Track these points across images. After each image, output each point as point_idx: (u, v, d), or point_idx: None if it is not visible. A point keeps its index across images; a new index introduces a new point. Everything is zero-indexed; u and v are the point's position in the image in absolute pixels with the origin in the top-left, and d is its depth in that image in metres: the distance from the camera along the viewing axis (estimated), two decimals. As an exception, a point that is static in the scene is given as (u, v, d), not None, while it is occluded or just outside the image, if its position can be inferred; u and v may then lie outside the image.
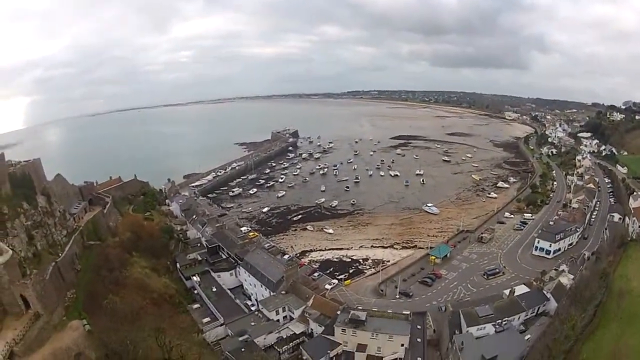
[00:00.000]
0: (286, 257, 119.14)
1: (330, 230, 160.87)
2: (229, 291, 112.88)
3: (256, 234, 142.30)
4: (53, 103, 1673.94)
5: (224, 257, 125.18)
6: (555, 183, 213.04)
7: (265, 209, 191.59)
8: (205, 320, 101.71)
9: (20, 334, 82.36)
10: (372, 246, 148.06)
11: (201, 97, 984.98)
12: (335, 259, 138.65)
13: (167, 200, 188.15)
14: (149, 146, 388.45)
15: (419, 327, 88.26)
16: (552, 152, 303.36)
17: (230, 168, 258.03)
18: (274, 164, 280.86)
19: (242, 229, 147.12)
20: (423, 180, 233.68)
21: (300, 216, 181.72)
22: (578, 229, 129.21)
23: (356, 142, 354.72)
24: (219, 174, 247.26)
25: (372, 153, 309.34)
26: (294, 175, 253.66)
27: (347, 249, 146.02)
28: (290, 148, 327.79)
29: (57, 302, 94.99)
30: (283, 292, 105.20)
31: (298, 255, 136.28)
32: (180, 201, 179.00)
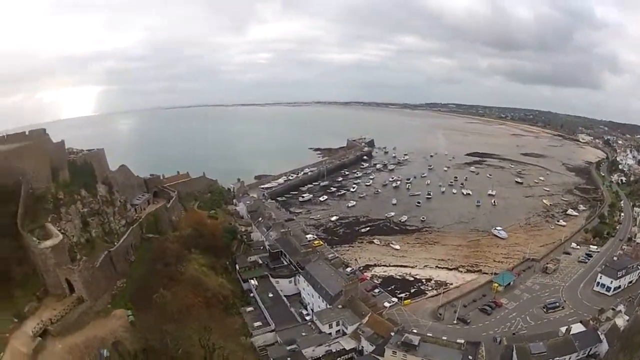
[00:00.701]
0: (348, 269, 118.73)
1: (397, 246, 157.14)
2: (285, 298, 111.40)
3: (321, 242, 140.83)
4: (126, 94, 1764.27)
5: (285, 263, 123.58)
6: (622, 214, 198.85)
7: (334, 218, 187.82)
8: (257, 324, 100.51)
9: (58, 314, 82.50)
10: (436, 267, 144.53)
11: (279, 99, 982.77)
12: (398, 277, 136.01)
13: (234, 200, 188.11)
14: (223, 144, 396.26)
15: (470, 357, 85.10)
16: (621, 180, 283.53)
17: (302, 173, 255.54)
18: (347, 173, 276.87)
19: (308, 236, 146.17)
20: (494, 202, 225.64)
21: (368, 228, 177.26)
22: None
23: (431, 156, 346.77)
24: (290, 178, 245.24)
25: (446, 169, 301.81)
26: (367, 185, 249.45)
27: (412, 267, 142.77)
28: (365, 157, 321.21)
29: (105, 290, 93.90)
30: (340, 306, 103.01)
31: (361, 268, 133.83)
32: (248, 202, 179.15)
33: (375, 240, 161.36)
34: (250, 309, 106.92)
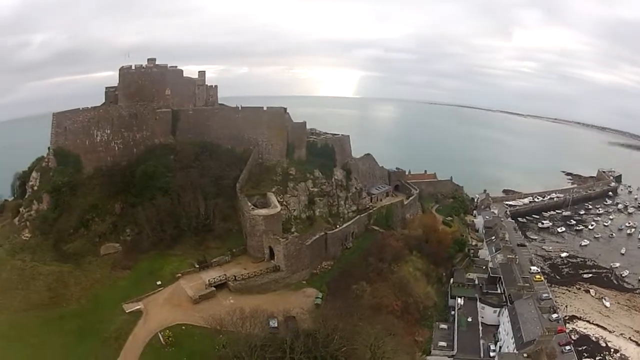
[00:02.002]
0: (554, 315, 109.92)
1: (608, 304, 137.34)
2: (481, 327, 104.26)
3: (542, 278, 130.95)
4: (388, 82, 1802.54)
5: (499, 291, 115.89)
6: None
7: (564, 255, 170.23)
8: (441, 344, 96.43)
9: (245, 274, 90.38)
10: (629, 338, 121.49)
11: (540, 112, 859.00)
12: (593, 338, 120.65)
13: (474, 211, 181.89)
14: (475, 148, 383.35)
15: None
16: None
17: (548, 197, 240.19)
18: (589, 206, 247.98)
19: (533, 268, 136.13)
20: None
21: (590, 275, 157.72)
22: None
23: None
24: (536, 200, 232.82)
25: None
26: (604, 225, 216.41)
27: (610, 331, 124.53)
28: (610, 193, 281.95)
29: (306, 267, 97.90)
30: (525, 354, 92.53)
31: (567, 318, 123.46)
32: (487, 217, 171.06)
33: (591, 290, 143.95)
34: (443, 326, 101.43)
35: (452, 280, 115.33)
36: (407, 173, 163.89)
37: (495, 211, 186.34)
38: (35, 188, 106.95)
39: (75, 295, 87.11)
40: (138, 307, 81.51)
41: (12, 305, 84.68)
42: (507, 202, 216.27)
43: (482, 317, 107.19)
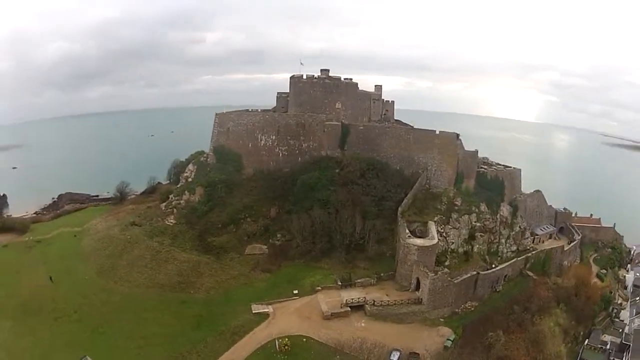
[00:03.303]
0: None
1: None
2: None
3: None
4: (566, 109, 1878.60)
5: None
6: None
7: None
8: None
9: (385, 301, 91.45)
10: None
11: None
12: None
13: (628, 265, 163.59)
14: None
15: None
16: None
17: None
18: None
19: None
20: None
21: None
22: None
23: None
24: None
25: None
26: None
27: None
28: None
29: (448, 304, 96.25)
30: None
31: None
32: (638, 274, 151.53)
33: None
34: None
35: (586, 342, 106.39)
36: (573, 215, 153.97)
37: None
38: (190, 180, 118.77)
39: (206, 286, 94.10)
40: (266, 310, 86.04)
41: (136, 280, 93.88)
42: None
43: None
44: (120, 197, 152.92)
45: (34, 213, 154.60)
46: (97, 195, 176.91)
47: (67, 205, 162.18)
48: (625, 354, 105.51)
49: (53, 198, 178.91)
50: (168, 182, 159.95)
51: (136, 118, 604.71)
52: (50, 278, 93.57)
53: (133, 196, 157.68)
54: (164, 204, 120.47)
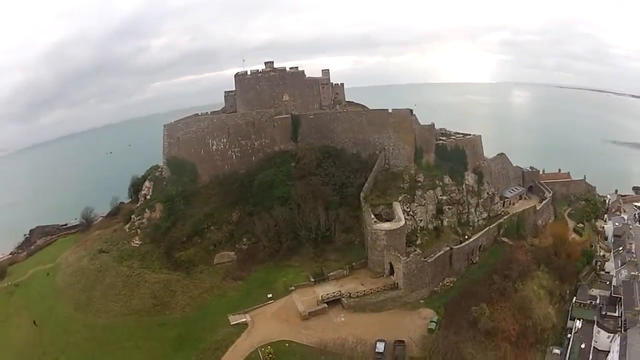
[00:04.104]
0: None
1: None
2: (591, 356, 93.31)
3: None
4: (521, 66, 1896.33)
5: (617, 313, 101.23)
6: None
7: None
8: None
9: (361, 291, 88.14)
10: None
11: None
12: None
13: (605, 216, 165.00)
14: (604, 138, 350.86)
15: None
16: None
17: None
18: None
19: None
20: None
21: None
22: None
23: None
24: None
25: None
26: None
27: None
28: None
29: (426, 284, 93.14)
30: None
31: None
32: (616, 224, 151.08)
33: None
34: (556, 351, 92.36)
35: (574, 299, 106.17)
36: (541, 172, 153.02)
37: (625, 217, 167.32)
38: (148, 197, 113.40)
39: (181, 304, 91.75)
40: (244, 319, 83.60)
41: (112, 309, 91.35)
42: (636, 204, 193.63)
43: (596, 342, 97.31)
44: (87, 224, 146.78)
45: (10, 254, 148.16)
46: (66, 224, 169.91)
47: (38, 239, 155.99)
48: (617, 306, 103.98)
49: (25, 235, 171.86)
50: (130, 200, 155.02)
51: (94, 137, 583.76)
52: (34, 322, 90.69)
53: (99, 219, 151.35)
54: (127, 225, 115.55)
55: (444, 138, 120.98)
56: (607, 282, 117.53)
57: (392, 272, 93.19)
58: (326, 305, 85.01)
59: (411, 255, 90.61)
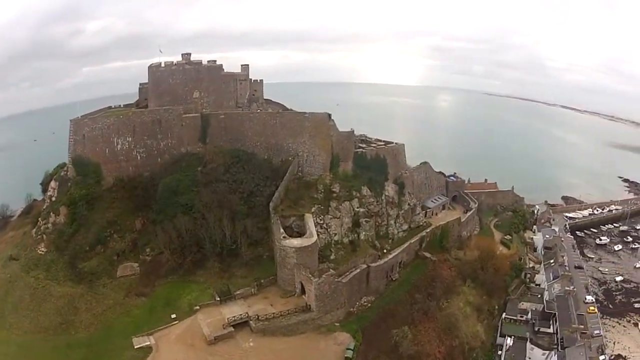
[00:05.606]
0: (602, 358, 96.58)
1: None
2: None
3: (595, 309, 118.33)
4: (449, 72, 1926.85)
5: (551, 330, 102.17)
6: None
7: (619, 279, 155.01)
8: None
9: (270, 313, 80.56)
10: None
11: (597, 108, 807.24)
12: None
13: (534, 226, 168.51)
14: (534, 148, 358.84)
15: None
16: None
17: (607, 209, 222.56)
18: None
19: (588, 297, 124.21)
20: None
21: None
22: None
23: None
24: (595, 212, 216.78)
25: None
26: None
27: None
28: None
29: (341, 305, 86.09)
30: None
31: (612, 358, 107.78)
32: (547, 236, 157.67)
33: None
34: None
35: (504, 315, 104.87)
36: (466, 182, 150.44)
37: (556, 228, 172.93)
38: (54, 199, 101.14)
39: (85, 323, 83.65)
40: (147, 343, 76.58)
41: (23, 326, 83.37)
42: (566, 215, 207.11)
43: (530, 359, 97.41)
44: (3, 223, 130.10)
45: None
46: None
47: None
48: (552, 322, 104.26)
49: None
50: (42, 198, 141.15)
51: (22, 123, 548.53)
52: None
53: (15, 217, 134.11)
54: (34, 229, 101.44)
55: (363, 145, 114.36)
56: (539, 296, 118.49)
57: (303, 291, 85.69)
58: (233, 329, 77.21)
59: (323, 276, 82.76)
